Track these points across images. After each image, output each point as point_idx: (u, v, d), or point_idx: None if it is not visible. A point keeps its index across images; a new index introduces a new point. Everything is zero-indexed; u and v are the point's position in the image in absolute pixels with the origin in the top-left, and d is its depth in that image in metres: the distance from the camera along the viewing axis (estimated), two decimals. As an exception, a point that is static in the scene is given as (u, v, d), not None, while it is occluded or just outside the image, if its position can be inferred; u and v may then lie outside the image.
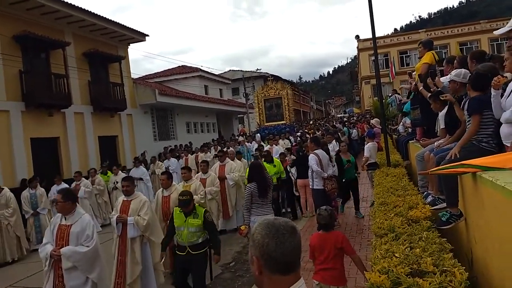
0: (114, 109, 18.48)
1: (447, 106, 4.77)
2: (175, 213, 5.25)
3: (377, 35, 7.71)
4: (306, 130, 21.33)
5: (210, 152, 16.05)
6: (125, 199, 5.74)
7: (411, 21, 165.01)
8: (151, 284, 5.67)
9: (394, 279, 2.31)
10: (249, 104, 33.86)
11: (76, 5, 15.52)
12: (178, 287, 5.31)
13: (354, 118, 29.66)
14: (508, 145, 3.02)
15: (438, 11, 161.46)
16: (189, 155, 15.99)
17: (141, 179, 13.28)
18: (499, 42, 34.51)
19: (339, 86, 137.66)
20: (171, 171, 14.06)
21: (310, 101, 66.30)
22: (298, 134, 18.83)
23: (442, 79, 5.10)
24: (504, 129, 3.12)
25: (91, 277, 4.54)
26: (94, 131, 17.30)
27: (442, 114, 4.87)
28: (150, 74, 31.81)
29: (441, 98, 4.61)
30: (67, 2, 15.05)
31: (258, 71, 41.28)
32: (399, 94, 15.53)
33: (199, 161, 15.28)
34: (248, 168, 8.08)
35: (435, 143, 4.59)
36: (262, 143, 15.61)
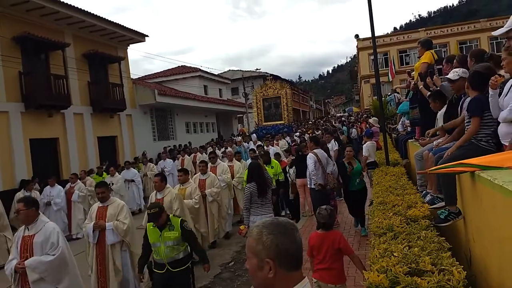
0: (113, 109, 18.51)
1: (446, 105, 4.78)
2: (148, 229, 4.73)
3: (376, 34, 7.72)
4: (304, 130, 21.21)
5: (207, 153, 15.78)
6: (100, 205, 5.46)
7: (410, 20, 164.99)
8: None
9: (393, 278, 2.31)
10: (248, 104, 33.84)
11: (76, 6, 15.58)
12: None
13: (352, 118, 29.62)
14: (506, 144, 3.03)
15: (438, 10, 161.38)
16: (186, 156, 15.60)
17: (132, 181, 13.21)
18: (499, 40, 34.46)
19: (339, 85, 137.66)
20: (166, 173, 13.72)
21: (309, 101, 66.23)
22: (297, 134, 18.76)
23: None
24: (502, 128, 3.13)
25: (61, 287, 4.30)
26: (94, 131, 17.33)
27: (441, 113, 4.88)
28: (149, 75, 31.83)
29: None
30: (67, 4, 15.06)
31: (258, 70, 41.28)
32: (398, 93, 15.54)
33: (197, 162, 15.29)
34: (247, 169, 8.09)
35: (434, 142, 4.59)
36: (261, 143, 15.33)
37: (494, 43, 34.68)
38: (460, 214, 3.37)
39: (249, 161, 10.22)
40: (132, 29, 19.81)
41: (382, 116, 8.62)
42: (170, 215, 4.82)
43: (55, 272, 4.27)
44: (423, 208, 3.64)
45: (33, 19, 14.60)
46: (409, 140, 7.71)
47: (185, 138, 24.47)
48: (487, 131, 3.32)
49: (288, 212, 9.98)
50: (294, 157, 10.01)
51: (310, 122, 31.66)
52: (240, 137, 19.22)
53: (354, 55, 67.02)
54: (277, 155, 10.29)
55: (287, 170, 9.55)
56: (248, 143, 16.42)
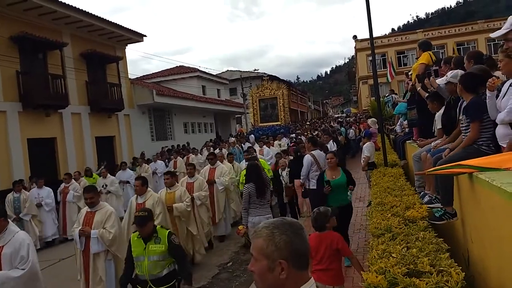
0: (111, 109, 18.48)
1: (444, 107, 4.79)
2: (132, 240, 4.30)
3: (374, 35, 7.74)
4: (300, 131, 21.01)
5: (201, 154, 15.61)
6: (88, 210, 5.18)
7: (408, 21, 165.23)
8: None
9: (391, 279, 2.32)
10: (246, 105, 33.83)
11: (74, 5, 15.54)
12: None
13: (351, 119, 29.62)
14: (504, 146, 3.04)
15: (435, 11, 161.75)
16: (179, 157, 14.94)
17: (128, 182, 12.82)
18: (496, 42, 34.58)
19: (337, 86, 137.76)
20: (158, 175, 13.72)
21: (307, 101, 66.30)
22: (293, 135, 18.67)
23: (438, 80, 5.12)
24: (499, 130, 3.14)
25: None
26: (91, 131, 17.29)
27: (439, 114, 4.88)
28: (147, 75, 31.80)
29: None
30: (64, 3, 15.03)
31: (256, 71, 41.29)
32: (396, 94, 15.60)
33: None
34: (244, 170, 8.03)
35: (432, 144, 4.60)
36: (256, 144, 15.09)
37: (492, 44, 34.76)
38: (455, 215, 3.38)
39: (243, 163, 10.09)
40: (130, 29, 19.79)
41: (380, 117, 8.64)
42: (158, 226, 4.39)
43: None
44: (421, 209, 3.65)
45: (31, 18, 14.56)
46: (407, 141, 7.73)
47: (183, 138, 24.44)
48: (487, 134, 3.32)
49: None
50: (292, 157, 10.02)
51: (308, 123, 31.49)
52: (234, 138, 19.01)
53: (352, 56, 67.12)
54: (278, 155, 10.11)
55: (280, 173, 9.20)
56: (244, 144, 16.16)
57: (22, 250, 3.96)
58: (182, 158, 15.04)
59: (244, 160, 10.20)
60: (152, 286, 4.13)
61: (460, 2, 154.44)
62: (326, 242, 3.97)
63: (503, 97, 3.11)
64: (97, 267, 5.02)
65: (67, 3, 15.13)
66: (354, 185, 6.17)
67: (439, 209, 3.50)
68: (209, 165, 9.31)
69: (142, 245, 4.15)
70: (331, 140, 10.65)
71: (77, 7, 15.72)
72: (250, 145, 15.33)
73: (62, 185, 11.00)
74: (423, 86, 5.87)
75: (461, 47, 34.25)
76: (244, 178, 8.06)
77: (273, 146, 14.21)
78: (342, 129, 19.35)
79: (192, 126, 27.46)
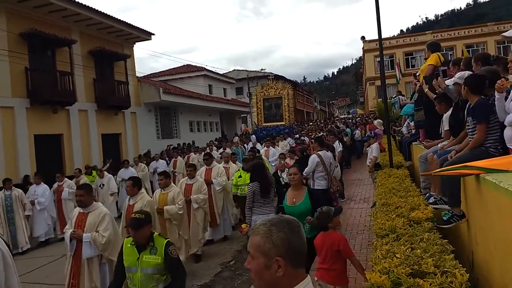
0: (118, 107, 18.58)
1: (451, 108, 4.75)
2: (124, 246, 3.80)
3: (383, 36, 7.69)
4: (305, 132, 20.82)
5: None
6: (81, 211, 4.81)
7: (417, 23, 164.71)
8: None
9: (395, 279, 2.30)
10: (252, 104, 33.83)
11: (83, 3, 15.63)
12: None
13: (356, 119, 29.47)
14: (512, 147, 3.01)
15: (445, 13, 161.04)
16: (179, 157, 14.52)
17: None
18: (506, 44, 34.34)
19: (344, 87, 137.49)
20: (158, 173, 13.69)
21: (314, 102, 66.21)
22: (296, 136, 18.55)
23: (446, 81, 5.08)
24: (508, 132, 3.11)
25: None
26: (98, 128, 17.39)
27: (446, 115, 4.85)
28: (155, 73, 31.91)
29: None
30: (74, 1, 15.15)
31: (263, 71, 41.28)
32: (403, 95, 15.51)
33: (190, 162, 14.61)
34: (239, 171, 7.95)
35: (439, 145, 4.57)
36: (258, 145, 14.77)
37: (501, 47, 34.55)
38: (464, 216, 3.35)
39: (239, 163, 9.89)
40: (138, 27, 19.87)
41: (387, 118, 8.61)
42: (155, 233, 3.84)
43: None
44: (426, 210, 3.62)
45: (41, 15, 14.67)
46: (413, 143, 7.68)
47: (188, 137, 24.50)
48: (494, 136, 3.29)
49: None
50: (298, 157, 9.99)
51: (311, 123, 31.21)
52: (237, 138, 18.81)
53: (360, 57, 66.93)
54: (281, 155, 9.86)
55: (279, 175, 8.82)
56: (247, 145, 15.91)
57: None
58: (183, 158, 14.76)
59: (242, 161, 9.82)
60: None
61: (470, 4, 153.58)
62: (328, 243, 3.96)
63: (512, 99, 3.09)
64: (90, 272, 4.68)
65: (77, 1, 15.24)
66: (314, 216, 4.43)
67: (446, 212, 3.47)
68: (205, 165, 8.99)
69: (135, 254, 3.65)
70: (337, 141, 10.63)
71: (86, 5, 15.82)
72: (252, 145, 15.08)
73: (56, 184, 10.83)
74: (431, 88, 5.82)
75: (470, 49, 33.99)
76: (238, 179, 7.93)
77: (278, 146, 13.97)
78: (348, 129, 19.27)
79: (198, 125, 27.53)
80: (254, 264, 1.41)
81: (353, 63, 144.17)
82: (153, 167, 14.15)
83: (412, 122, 8.54)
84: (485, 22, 40.63)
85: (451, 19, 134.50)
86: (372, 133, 10.41)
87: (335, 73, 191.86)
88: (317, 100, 73.95)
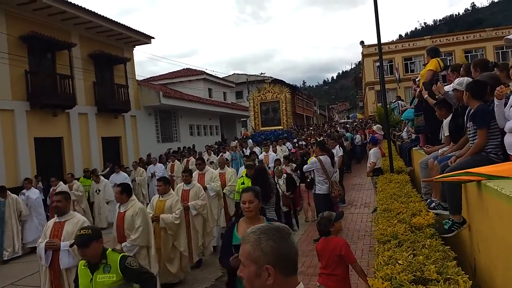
0: (118, 110, 18.59)
1: (451, 114, 4.77)
2: (79, 268, 3.50)
3: (382, 41, 7.72)
4: (304, 137, 20.68)
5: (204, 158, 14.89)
6: (57, 220, 4.52)
7: (416, 28, 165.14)
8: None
9: (397, 286, 2.30)
10: (249, 108, 33.77)
11: (83, 6, 15.68)
12: None
13: (354, 124, 29.47)
14: (513, 154, 3.02)
15: (443, 18, 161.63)
16: (176, 161, 14.27)
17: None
18: (505, 50, 34.49)
19: (343, 91, 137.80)
20: (157, 178, 13.33)
21: (313, 106, 66.31)
22: (295, 141, 18.47)
23: (445, 87, 5.10)
24: (508, 139, 3.12)
25: None
26: (98, 131, 17.38)
27: (446, 121, 4.86)
28: (154, 76, 31.92)
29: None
30: (74, 4, 15.16)
31: (262, 75, 41.32)
32: (402, 100, 15.55)
33: (189, 167, 14.28)
34: (241, 177, 7.65)
35: (439, 151, 4.58)
36: (255, 150, 14.32)
37: (500, 52, 34.66)
38: (465, 223, 3.36)
39: (242, 168, 9.73)
40: (138, 31, 19.91)
41: (386, 123, 8.62)
42: (109, 249, 3.50)
43: None
44: (428, 217, 3.62)
45: (40, 18, 14.70)
46: (413, 148, 7.70)
47: (188, 140, 24.51)
48: (495, 142, 3.31)
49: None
50: (295, 164, 9.99)
51: (311, 128, 31.15)
52: (235, 142, 18.66)
53: (359, 62, 67.09)
54: (277, 161, 9.76)
55: (276, 181, 8.32)
56: (246, 149, 15.61)
57: None
58: (181, 162, 14.53)
59: (243, 166, 9.68)
60: None
61: (468, 10, 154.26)
62: (330, 248, 3.97)
63: (512, 105, 3.10)
64: (70, 284, 4.31)
65: (76, 4, 15.26)
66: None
67: (447, 220, 3.47)
68: (198, 171, 8.57)
69: (88, 275, 3.34)
70: (337, 145, 10.62)
71: (86, 8, 15.87)
72: (249, 149, 14.70)
73: (51, 189, 10.45)
74: (430, 93, 5.84)
75: (469, 54, 34.12)
76: (241, 186, 7.47)
77: (274, 152, 13.55)
78: (348, 134, 19.28)
79: (198, 129, 27.55)
80: (246, 272, 1.42)
81: (352, 67, 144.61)
82: (150, 171, 13.90)
83: (412, 126, 8.57)
84: (483, 28, 40.79)
85: (449, 24, 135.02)
86: (369, 139, 10.40)
87: (335, 78, 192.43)
88: (317, 105, 74.07)
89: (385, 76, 8.83)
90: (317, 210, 7.53)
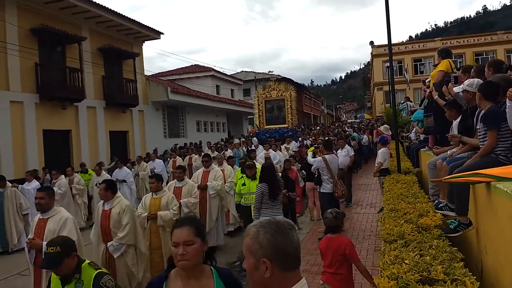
0: (126, 104, 18.67)
1: (461, 115, 4.73)
2: (52, 278, 3.20)
3: (392, 41, 7.67)
4: (307, 136, 20.50)
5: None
6: (40, 217, 4.35)
7: (426, 29, 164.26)
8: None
9: (404, 285, 2.29)
10: (254, 106, 33.69)
11: (94, 0, 15.73)
12: None
13: (360, 124, 29.27)
14: (524, 156, 2.99)
15: (454, 20, 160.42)
16: (178, 157, 14.05)
17: (124, 181, 12.02)
18: (516, 53, 34.13)
19: (351, 91, 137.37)
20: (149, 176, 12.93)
21: (321, 105, 66.15)
22: (299, 139, 18.38)
23: (455, 88, 5.06)
24: (519, 141, 3.09)
25: None
26: (106, 125, 17.48)
27: (456, 122, 4.83)
28: (163, 72, 32.00)
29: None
30: (84, -3, 15.23)
31: (270, 73, 41.24)
32: (411, 101, 15.44)
33: (193, 164, 13.73)
34: (240, 178, 7.40)
35: (448, 152, 4.55)
36: (256, 148, 14.01)
37: (511, 55, 34.29)
38: (471, 225, 3.33)
39: (236, 167, 9.47)
40: (147, 26, 19.95)
41: (395, 124, 8.58)
42: (85, 262, 3.15)
43: None
44: (435, 217, 3.60)
45: (51, 11, 14.79)
46: (421, 149, 7.65)
47: (195, 136, 24.56)
48: (505, 144, 3.28)
49: None
50: (304, 161, 9.97)
51: (318, 127, 30.96)
52: (238, 140, 18.52)
53: (368, 62, 66.75)
54: (287, 162, 9.05)
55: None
56: (250, 147, 15.25)
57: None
58: (183, 158, 14.35)
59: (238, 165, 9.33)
60: None
61: (480, 12, 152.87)
62: (334, 247, 3.96)
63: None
64: None
65: (87, -2, 15.34)
66: None
67: (453, 220, 3.45)
68: (203, 168, 8.28)
69: (58, 287, 3.08)
70: (346, 145, 10.56)
71: (97, 2, 15.92)
72: (254, 148, 14.26)
73: (52, 182, 10.23)
74: (440, 94, 5.80)
75: (480, 57, 33.82)
76: (241, 187, 7.27)
77: (280, 150, 13.54)
78: (355, 134, 19.19)
79: (205, 125, 27.60)
80: (246, 265, 1.44)
81: (361, 68, 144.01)
82: (150, 166, 13.64)
83: (418, 125, 8.51)
84: (494, 31, 40.36)
85: (460, 26, 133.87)
86: (379, 140, 10.34)
87: (343, 78, 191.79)
88: (324, 104, 73.90)
89: (394, 77, 8.78)
90: (322, 209, 7.52)
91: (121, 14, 17.70)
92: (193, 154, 14.57)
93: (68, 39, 15.28)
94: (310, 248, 6.92)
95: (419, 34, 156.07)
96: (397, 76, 33.29)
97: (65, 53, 15.42)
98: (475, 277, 2.33)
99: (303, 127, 30.84)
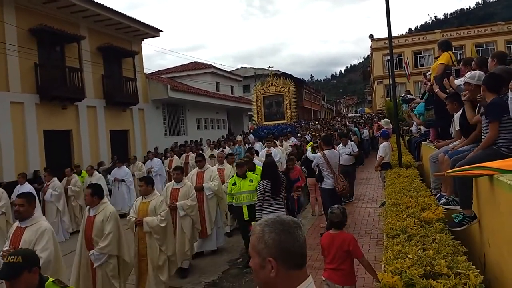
0: (126, 103, 18.64)
1: (462, 108, 4.71)
2: None
3: (391, 34, 7.64)
4: (308, 132, 20.43)
5: (204, 153, 13.82)
6: (18, 225, 4.07)
7: (426, 22, 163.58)
8: None
9: (407, 280, 2.29)
10: (252, 102, 33.63)
11: (92, -1, 15.68)
12: None
13: (360, 119, 29.22)
14: (526, 148, 2.97)
15: (454, 12, 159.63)
16: (175, 156, 13.80)
17: (123, 180, 11.99)
18: (516, 44, 33.99)
19: (351, 85, 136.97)
20: (153, 174, 12.61)
21: (321, 100, 66.04)
22: (299, 135, 18.32)
23: (456, 81, 5.04)
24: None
25: None
26: (106, 124, 17.47)
27: (457, 115, 4.81)
28: (162, 70, 31.95)
29: (462, 99, 4.52)
30: (82, -4, 15.17)
31: (270, 69, 41.11)
32: (411, 95, 15.41)
33: (190, 162, 13.31)
34: (232, 178, 7.13)
35: (450, 145, 4.54)
36: (258, 145, 14.00)
37: None
38: (475, 218, 3.32)
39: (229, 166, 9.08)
40: (146, 24, 19.89)
41: (396, 117, 8.56)
42: (49, 280, 2.82)
43: None
44: (437, 211, 3.59)
45: (49, 11, 14.74)
46: (422, 143, 7.63)
47: (196, 134, 24.56)
48: (507, 136, 3.26)
49: None
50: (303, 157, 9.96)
51: (317, 123, 30.83)
52: (240, 136, 18.43)
53: (367, 56, 66.55)
54: (290, 160, 8.87)
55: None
56: (248, 145, 15.10)
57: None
58: (180, 157, 14.13)
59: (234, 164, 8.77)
60: None
61: (479, 3, 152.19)
62: (337, 243, 3.96)
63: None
64: None
65: (85, -4, 15.28)
66: None
67: (458, 214, 3.44)
68: (197, 168, 7.94)
69: None
70: (349, 141, 10.54)
71: (95, 1, 15.86)
72: (251, 145, 14.33)
73: (45, 184, 9.97)
74: (441, 87, 5.77)
75: (480, 48, 33.70)
76: (232, 187, 6.94)
77: (281, 146, 13.41)
78: (356, 129, 19.18)
79: (205, 122, 27.59)
80: (253, 263, 1.44)
81: (361, 61, 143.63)
82: (147, 166, 13.47)
83: (420, 118, 8.48)
84: (494, 22, 40.19)
85: (460, 18, 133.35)
86: (380, 134, 10.32)
87: (343, 72, 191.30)
88: (324, 99, 73.77)
89: (394, 70, 8.76)
90: (324, 205, 7.52)
91: (120, 12, 17.64)
92: (190, 152, 14.14)
93: (67, 39, 15.24)
94: (312, 244, 6.93)
95: (418, 27, 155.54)
96: (397, 69, 33.21)
97: (64, 53, 15.39)
98: (478, 271, 2.33)
99: (303, 122, 30.72)
